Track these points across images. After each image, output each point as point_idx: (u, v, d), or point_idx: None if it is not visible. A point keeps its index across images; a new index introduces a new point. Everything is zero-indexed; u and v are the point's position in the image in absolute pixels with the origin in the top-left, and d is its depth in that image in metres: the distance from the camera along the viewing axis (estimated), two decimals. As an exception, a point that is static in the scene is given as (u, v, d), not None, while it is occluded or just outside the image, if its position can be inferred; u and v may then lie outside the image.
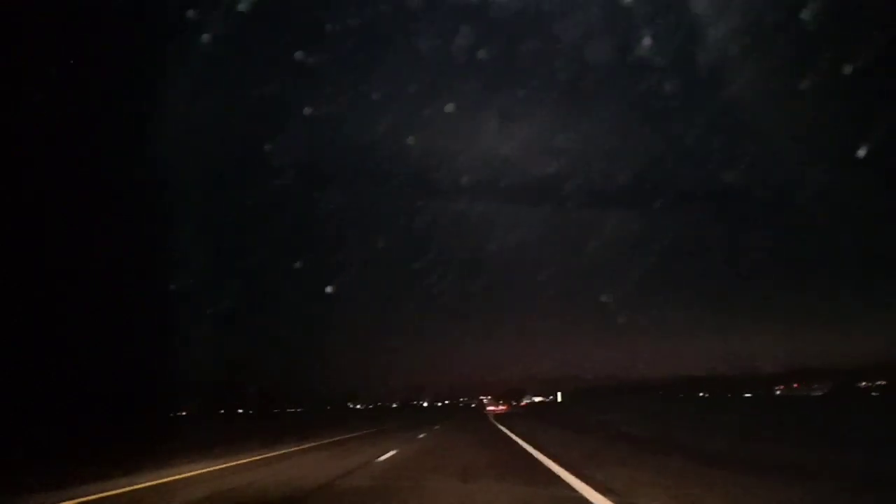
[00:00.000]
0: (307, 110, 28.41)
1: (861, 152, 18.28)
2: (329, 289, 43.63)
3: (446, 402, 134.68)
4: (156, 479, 9.85)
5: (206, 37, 17.42)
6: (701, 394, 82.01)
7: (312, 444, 18.39)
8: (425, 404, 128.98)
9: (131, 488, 8.88)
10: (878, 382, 60.19)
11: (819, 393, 64.41)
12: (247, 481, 9.40)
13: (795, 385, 75.81)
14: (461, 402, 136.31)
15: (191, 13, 16.50)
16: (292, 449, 16.32)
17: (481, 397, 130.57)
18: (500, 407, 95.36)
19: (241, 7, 15.10)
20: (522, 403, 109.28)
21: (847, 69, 16.09)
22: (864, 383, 63.12)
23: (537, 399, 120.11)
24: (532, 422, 29.67)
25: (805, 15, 16.03)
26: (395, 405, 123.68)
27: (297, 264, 42.58)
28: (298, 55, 24.18)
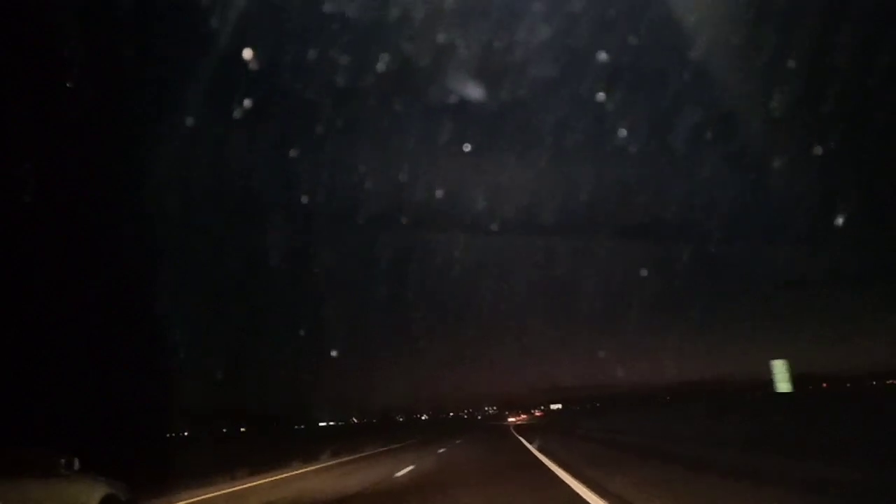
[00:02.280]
0: (302, 198, 30.92)
1: (839, 221, 19.29)
2: (334, 353, 45.72)
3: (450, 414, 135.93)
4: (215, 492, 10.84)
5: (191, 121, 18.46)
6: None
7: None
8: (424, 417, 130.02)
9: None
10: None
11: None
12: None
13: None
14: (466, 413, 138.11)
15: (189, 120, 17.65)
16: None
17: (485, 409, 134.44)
18: (522, 417, 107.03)
19: (236, 115, 16.17)
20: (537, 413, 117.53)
21: (817, 150, 16.93)
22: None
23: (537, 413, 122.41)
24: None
25: (773, 104, 17.00)
26: (400, 418, 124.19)
27: (302, 332, 44.22)
28: (291, 153, 26.88)
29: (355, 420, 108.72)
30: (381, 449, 25.72)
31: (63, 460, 6.32)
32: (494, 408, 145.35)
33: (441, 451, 20.00)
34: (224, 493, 11.29)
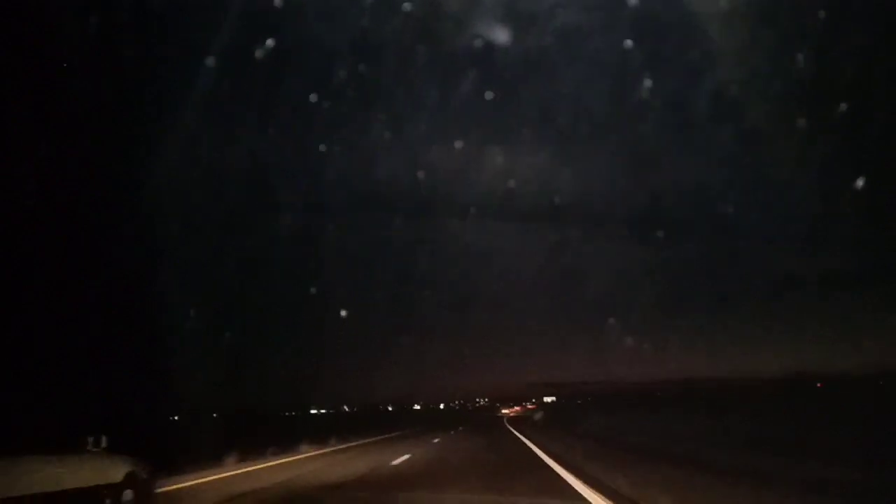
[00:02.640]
0: (319, 147, 29.49)
1: (859, 184, 18.31)
2: (343, 312, 44.71)
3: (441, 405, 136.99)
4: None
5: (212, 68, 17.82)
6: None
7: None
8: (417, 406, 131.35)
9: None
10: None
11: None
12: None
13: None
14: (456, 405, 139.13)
15: (209, 60, 16.95)
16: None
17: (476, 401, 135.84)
18: (516, 409, 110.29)
19: (258, 55, 15.40)
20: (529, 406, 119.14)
21: (843, 108, 16.48)
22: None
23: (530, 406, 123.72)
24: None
25: (800, 59, 16.66)
26: (391, 408, 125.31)
27: (312, 290, 43.03)
28: (311, 97, 25.53)
29: (345, 409, 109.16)
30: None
31: (91, 438, 6.39)
32: (486, 399, 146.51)
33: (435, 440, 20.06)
34: (231, 476, 11.40)
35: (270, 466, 13.41)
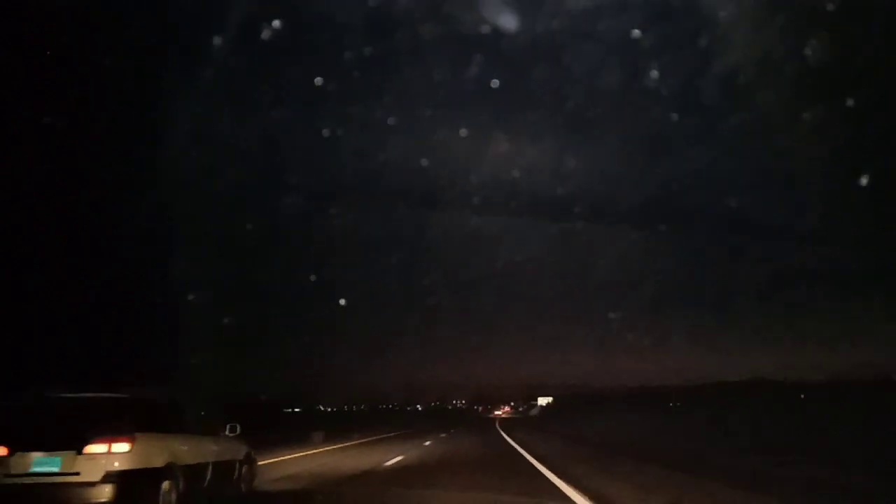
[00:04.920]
0: (323, 132, 29.72)
1: (864, 181, 18.09)
2: (342, 301, 45.74)
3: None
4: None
5: (220, 52, 17.94)
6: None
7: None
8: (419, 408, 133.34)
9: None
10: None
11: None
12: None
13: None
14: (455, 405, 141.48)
15: (217, 40, 17.16)
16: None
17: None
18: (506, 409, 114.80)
19: (265, 35, 15.89)
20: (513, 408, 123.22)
21: (849, 102, 16.04)
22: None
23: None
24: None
25: (808, 50, 16.34)
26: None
27: (312, 277, 44.41)
28: (316, 80, 24.60)
29: (352, 407, 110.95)
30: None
31: (228, 425, 8.83)
32: (487, 405, 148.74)
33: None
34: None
35: (291, 459, 15.67)
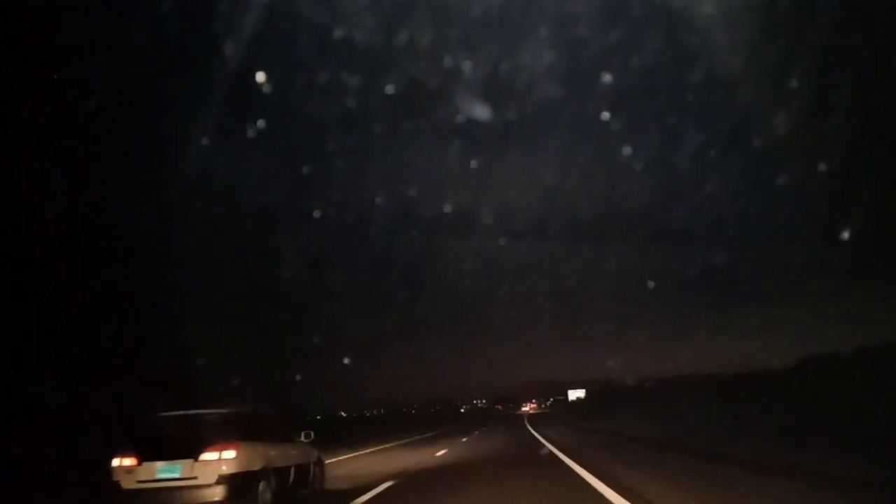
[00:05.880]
0: (313, 212, 30.83)
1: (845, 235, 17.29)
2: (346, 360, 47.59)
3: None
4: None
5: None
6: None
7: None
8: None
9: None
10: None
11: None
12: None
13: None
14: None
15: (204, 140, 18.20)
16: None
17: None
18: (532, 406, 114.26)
19: (250, 133, 16.70)
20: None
21: (822, 167, 16.30)
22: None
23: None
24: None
25: (778, 120, 16.30)
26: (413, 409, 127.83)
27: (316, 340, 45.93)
28: (304, 169, 27.63)
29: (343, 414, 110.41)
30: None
31: (303, 432, 10.03)
32: (509, 403, 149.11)
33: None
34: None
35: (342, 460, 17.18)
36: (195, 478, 7.39)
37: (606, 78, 17.73)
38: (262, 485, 8.01)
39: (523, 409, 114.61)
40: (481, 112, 19.23)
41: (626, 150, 21.78)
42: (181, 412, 8.06)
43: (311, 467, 10.09)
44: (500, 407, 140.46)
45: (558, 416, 59.83)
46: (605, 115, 20.47)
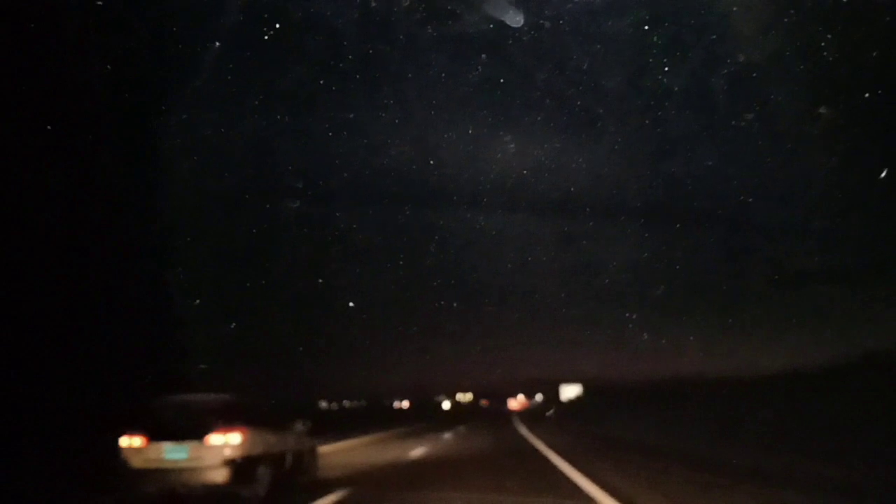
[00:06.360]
0: (325, 132, 29.20)
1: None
2: (351, 304, 46.07)
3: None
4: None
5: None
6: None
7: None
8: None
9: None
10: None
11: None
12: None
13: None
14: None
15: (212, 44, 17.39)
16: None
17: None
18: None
19: (263, 37, 16.17)
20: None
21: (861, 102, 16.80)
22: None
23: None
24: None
25: (824, 47, 16.70)
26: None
27: (320, 281, 44.83)
28: (317, 81, 24.76)
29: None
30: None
31: (302, 421, 10.41)
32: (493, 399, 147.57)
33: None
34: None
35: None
36: (201, 459, 7.73)
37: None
38: (261, 469, 8.37)
39: (511, 405, 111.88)
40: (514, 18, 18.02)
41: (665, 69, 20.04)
42: (188, 395, 8.41)
43: (305, 455, 10.47)
44: (485, 402, 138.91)
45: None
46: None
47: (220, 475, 7.73)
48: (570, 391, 72.03)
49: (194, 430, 7.83)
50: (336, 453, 16.91)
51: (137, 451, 7.77)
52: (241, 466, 7.88)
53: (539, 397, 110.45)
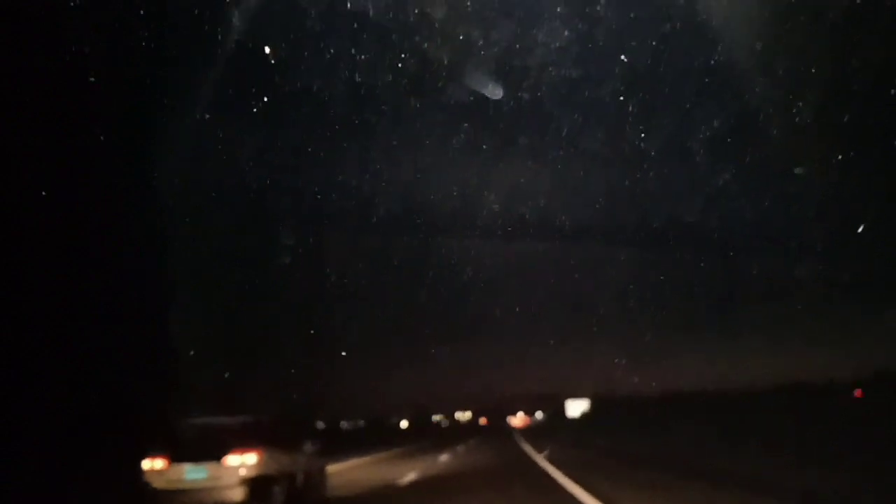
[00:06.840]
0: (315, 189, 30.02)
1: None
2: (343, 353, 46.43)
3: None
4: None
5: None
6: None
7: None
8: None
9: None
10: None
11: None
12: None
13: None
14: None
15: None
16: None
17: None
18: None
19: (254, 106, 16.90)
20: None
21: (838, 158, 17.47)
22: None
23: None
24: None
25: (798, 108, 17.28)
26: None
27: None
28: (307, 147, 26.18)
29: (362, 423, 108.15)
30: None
31: (311, 440, 10.82)
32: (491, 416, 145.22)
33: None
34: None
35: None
36: (219, 478, 8.16)
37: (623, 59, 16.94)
38: (276, 488, 8.78)
39: (512, 422, 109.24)
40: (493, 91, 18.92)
41: (641, 135, 20.86)
42: (207, 418, 8.85)
43: (315, 474, 10.87)
44: (484, 421, 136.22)
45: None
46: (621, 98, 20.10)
47: (237, 494, 8.14)
48: (576, 407, 64.55)
49: (212, 452, 8.24)
50: (342, 472, 17.25)
51: (159, 472, 8.18)
52: (256, 485, 8.28)
53: (539, 415, 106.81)
